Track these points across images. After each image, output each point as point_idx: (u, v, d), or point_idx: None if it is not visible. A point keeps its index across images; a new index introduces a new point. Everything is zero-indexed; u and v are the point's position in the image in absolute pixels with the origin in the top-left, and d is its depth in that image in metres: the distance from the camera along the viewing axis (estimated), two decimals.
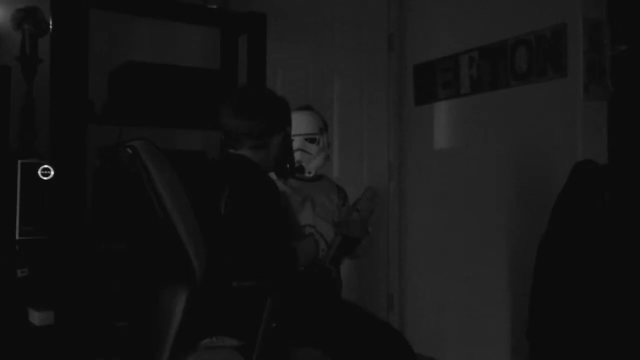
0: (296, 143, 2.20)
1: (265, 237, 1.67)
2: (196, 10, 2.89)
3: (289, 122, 1.95)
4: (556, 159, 2.68)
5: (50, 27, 2.50)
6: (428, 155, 3.47)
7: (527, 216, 2.81)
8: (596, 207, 2.26)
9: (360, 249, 2.20)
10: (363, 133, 3.66)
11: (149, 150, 1.62)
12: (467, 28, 3.21)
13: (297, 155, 2.19)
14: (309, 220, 2.17)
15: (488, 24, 3.07)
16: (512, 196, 2.92)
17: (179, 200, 1.62)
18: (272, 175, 2.00)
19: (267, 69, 2.97)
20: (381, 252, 3.62)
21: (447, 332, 3.29)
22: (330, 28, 3.55)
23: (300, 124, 2.21)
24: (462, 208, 3.21)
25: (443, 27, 3.38)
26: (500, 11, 3.00)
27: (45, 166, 2.39)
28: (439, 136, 3.43)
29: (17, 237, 2.34)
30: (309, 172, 2.27)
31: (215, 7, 3.00)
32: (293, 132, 2.09)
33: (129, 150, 1.60)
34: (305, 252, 1.80)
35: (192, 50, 3.12)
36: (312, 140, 2.24)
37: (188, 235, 1.60)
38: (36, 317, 2.30)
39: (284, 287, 1.63)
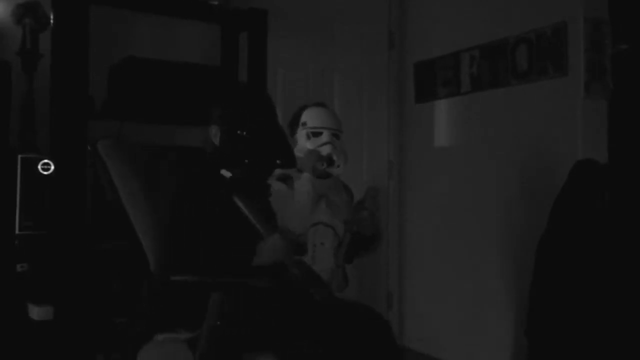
0: (325, 137, 2.07)
1: (186, 232, 1.67)
2: (197, 7, 2.89)
3: (217, 113, 1.92)
4: (556, 158, 2.68)
5: (51, 22, 2.50)
6: (428, 153, 3.47)
7: (527, 214, 2.82)
8: (596, 206, 2.26)
9: (377, 243, 2.20)
10: (363, 131, 3.66)
11: (110, 148, 1.78)
12: (467, 26, 3.21)
13: (328, 148, 2.06)
14: (325, 219, 2.14)
15: (489, 22, 3.07)
16: (512, 194, 2.92)
17: (133, 196, 1.75)
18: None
19: (268, 66, 2.97)
20: (381, 251, 3.62)
21: (446, 331, 3.29)
22: (331, 26, 3.55)
23: (328, 118, 2.13)
24: (462, 207, 3.21)
25: (443, 25, 3.38)
26: (501, 9, 3.00)
27: (46, 161, 2.39)
28: (439, 134, 3.43)
29: (16, 231, 2.34)
30: (338, 166, 2.21)
31: (216, 3, 3.00)
32: (321, 124, 2.06)
33: (89, 147, 1.71)
34: (269, 251, 1.70)
35: (192, 47, 3.11)
36: (337, 136, 2.20)
37: (140, 229, 1.73)
38: (35, 312, 2.30)
39: (226, 285, 1.59)
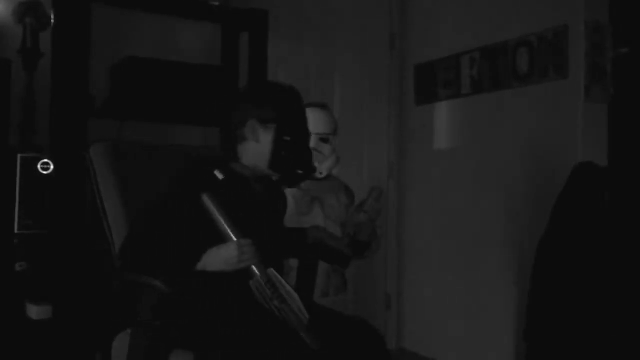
0: (310, 142, 2.02)
1: (143, 229, 1.62)
2: (198, 7, 2.90)
3: (269, 113, 1.75)
4: (557, 161, 2.68)
5: (52, 21, 2.50)
6: (428, 155, 3.47)
7: (527, 217, 2.82)
8: (596, 208, 2.26)
9: (369, 251, 2.18)
10: (363, 132, 3.66)
11: (99, 154, 1.81)
12: (468, 28, 3.21)
13: None
14: (318, 221, 2.13)
15: (490, 25, 3.07)
16: (512, 197, 2.93)
17: (113, 200, 1.78)
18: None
19: (268, 66, 2.98)
20: (379, 252, 3.61)
21: (446, 332, 3.29)
22: (332, 26, 3.55)
23: (317, 122, 2.11)
24: (462, 209, 3.21)
25: (444, 27, 3.38)
26: (502, 12, 3.00)
27: (45, 160, 2.40)
28: (440, 136, 3.43)
29: (16, 231, 2.35)
30: (321, 173, 2.20)
31: (217, 3, 3.01)
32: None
33: (84, 153, 1.76)
34: (219, 258, 1.61)
35: (193, 47, 3.12)
36: (325, 140, 2.16)
37: (113, 222, 1.76)
38: (34, 311, 2.30)
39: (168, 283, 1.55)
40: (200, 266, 1.60)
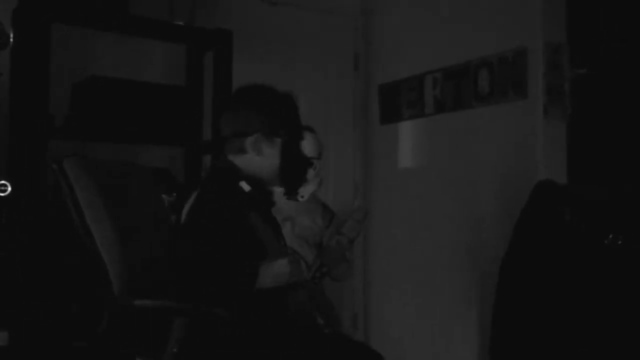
0: None
1: (200, 255, 1.55)
2: (162, 27, 2.88)
3: (275, 126, 1.71)
4: (518, 179, 2.72)
5: (11, 40, 2.46)
6: (393, 174, 3.50)
7: (490, 234, 2.84)
8: (556, 226, 2.30)
9: (335, 274, 2.17)
10: (328, 152, 3.66)
11: (76, 166, 1.67)
12: (431, 49, 3.26)
13: None
14: (288, 242, 2.11)
15: (452, 46, 3.12)
16: (475, 215, 2.96)
17: (98, 212, 1.64)
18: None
19: (233, 86, 2.97)
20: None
21: (413, 350, 3.29)
22: (297, 47, 3.57)
23: (303, 145, 2.11)
24: (427, 226, 3.23)
25: (408, 48, 3.42)
26: (464, 32, 3.05)
27: (2, 182, 2.34)
28: (404, 155, 3.46)
29: None
30: (302, 197, 2.20)
31: (181, 23, 3.00)
32: None
33: (54, 166, 1.63)
34: (271, 274, 1.60)
35: (157, 66, 3.10)
36: (310, 164, 2.14)
37: (106, 252, 1.62)
38: None
39: (189, 312, 1.51)
40: (259, 284, 1.57)
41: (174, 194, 2.85)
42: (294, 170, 1.74)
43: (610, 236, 2.26)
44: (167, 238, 1.81)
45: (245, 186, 1.67)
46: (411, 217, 3.34)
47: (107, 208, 1.66)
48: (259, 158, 1.69)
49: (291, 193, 1.87)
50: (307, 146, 2.16)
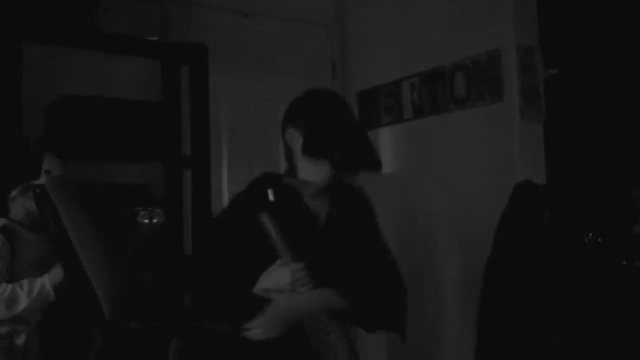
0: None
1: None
2: (135, 43, 2.86)
3: (297, 114, 1.75)
4: (497, 181, 2.73)
5: None
6: (373, 179, 3.48)
7: (470, 237, 2.85)
8: (536, 226, 2.31)
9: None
10: None
11: (58, 187, 1.63)
12: (407, 54, 3.27)
13: (271, 194, 1.77)
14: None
15: (427, 50, 3.13)
16: (457, 218, 2.96)
17: (87, 238, 1.62)
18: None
19: (210, 100, 2.96)
20: None
21: (403, 353, 3.27)
22: (273, 58, 3.56)
23: None
24: (408, 232, 3.23)
25: (384, 54, 3.43)
26: (439, 37, 3.07)
27: None
28: (384, 161, 3.44)
29: None
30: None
31: (154, 38, 2.98)
32: None
33: (37, 190, 1.59)
34: (271, 282, 1.56)
35: (132, 83, 3.07)
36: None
37: (93, 274, 1.59)
38: None
39: (187, 330, 1.51)
40: (256, 290, 1.53)
41: (158, 210, 2.83)
42: (320, 139, 1.69)
43: (590, 234, 2.27)
44: (147, 255, 1.79)
45: (270, 195, 1.63)
46: (391, 222, 3.33)
47: (94, 231, 1.64)
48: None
49: (339, 167, 1.76)
50: None
